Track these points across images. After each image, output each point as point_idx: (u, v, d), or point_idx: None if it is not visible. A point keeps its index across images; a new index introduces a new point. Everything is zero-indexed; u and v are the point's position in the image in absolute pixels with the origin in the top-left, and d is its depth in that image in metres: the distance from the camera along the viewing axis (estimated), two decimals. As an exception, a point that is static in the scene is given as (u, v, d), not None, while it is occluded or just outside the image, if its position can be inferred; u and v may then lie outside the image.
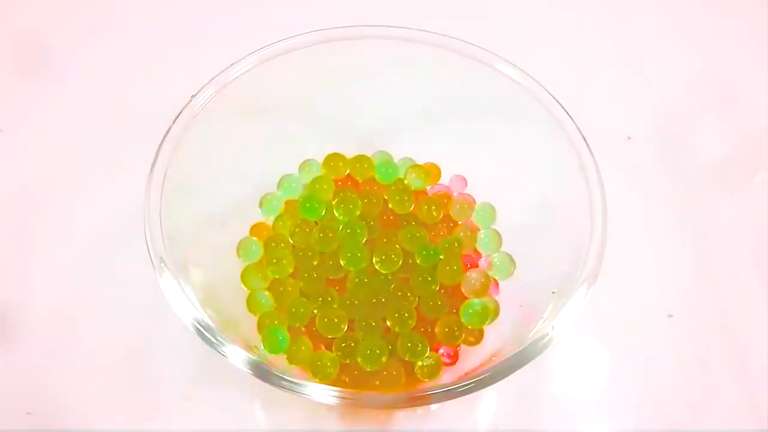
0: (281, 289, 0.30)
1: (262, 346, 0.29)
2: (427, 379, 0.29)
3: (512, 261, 0.31)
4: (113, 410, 0.31)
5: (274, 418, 0.32)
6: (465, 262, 0.31)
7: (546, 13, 0.44)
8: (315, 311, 0.30)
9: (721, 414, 0.32)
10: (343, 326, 0.29)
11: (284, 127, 0.33)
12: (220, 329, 0.25)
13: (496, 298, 0.31)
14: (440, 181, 0.34)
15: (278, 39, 0.30)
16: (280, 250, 0.31)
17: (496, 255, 0.32)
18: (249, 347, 0.26)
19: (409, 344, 0.29)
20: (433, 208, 0.32)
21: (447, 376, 0.29)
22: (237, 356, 0.25)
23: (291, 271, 0.31)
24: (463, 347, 0.30)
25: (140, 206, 0.26)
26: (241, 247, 0.31)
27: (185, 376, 0.32)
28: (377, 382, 0.28)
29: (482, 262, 0.32)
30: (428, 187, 0.33)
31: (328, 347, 0.29)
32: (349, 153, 0.33)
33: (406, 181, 0.33)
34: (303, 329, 0.30)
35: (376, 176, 0.33)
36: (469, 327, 0.30)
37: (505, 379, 0.24)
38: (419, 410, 0.32)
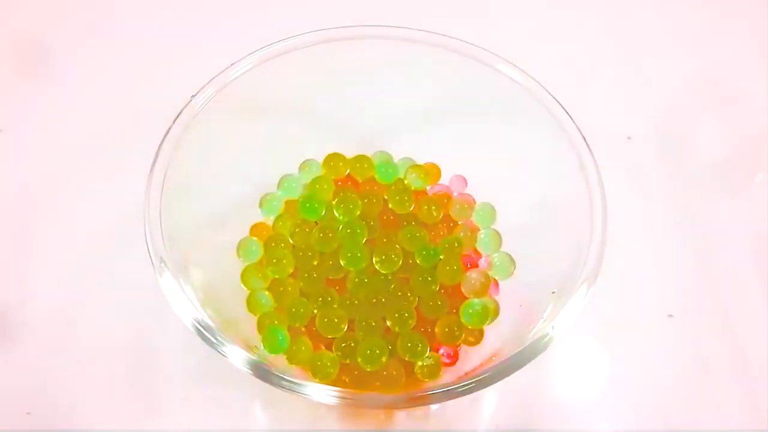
0: (281, 289, 0.30)
1: (262, 346, 0.29)
2: (427, 379, 0.29)
3: (512, 261, 0.31)
4: (113, 410, 0.31)
5: (274, 418, 0.32)
6: (465, 262, 0.31)
7: (546, 13, 0.44)
8: (315, 311, 0.30)
9: (721, 414, 0.32)
10: (343, 326, 0.29)
11: (284, 127, 0.33)
12: (220, 329, 0.25)
13: (496, 298, 0.31)
14: (440, 181, 0.34)
15: (278, 39, 0.30)
16: (280, 250, 0.31)
17: (496, 255, 0.32)
18: (249, 347, 0.26)
19: (409, 344, 0.29)
20: (433, 208, 0.32)
21: (447, 376, 0.29)
22: (237, 356, 0.25)
23: (291, 271, 0.31)
24: (463, 347, 0.30)
25: (140, 206, 0.26)
26: (241, 247, 0.31)
27: (185, 376, 0.32)
28: (377, 383, 0.28)
29: (482, 262, 0.32)
30: (428, 187, 0.33)
31: (328, 347, 0.29)
32: (349, 153, 0.33)
33: (406, 181, 0.33)
34: (303, 329, 0.30)
35: (376, 176, 0.33)
36: (469, 327, 0.30)
37: (505, 379, 0.24)
38: (419, 410, 0.32)
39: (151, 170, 0.27)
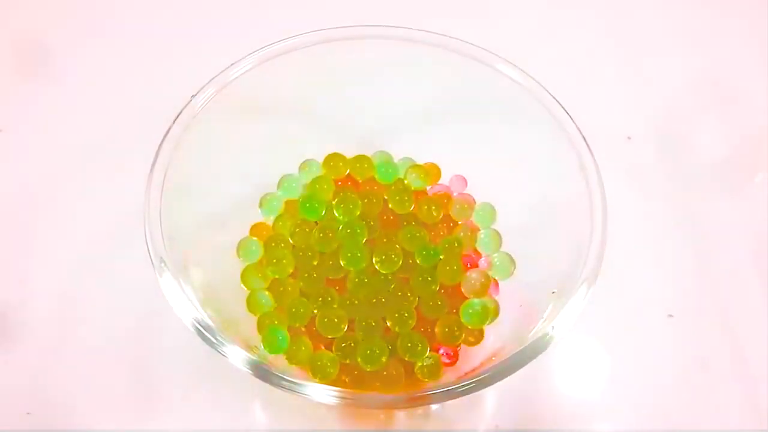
0: (281, 289, 0.30)
1: (262, 346, 0.29)
2: (427, 380, 0.29)
3: (512, 261, 0.31)
4: (113, 410, 0.31)
5: (274, 418, 0.32)
6: (465, 262, 0.31)
7: (546, 13, 0.44)
8: (315, 311, 0.30)
9: (721, 414, 0.32)
10: (343, 326, 0.29)
11: (284, 127, 0.33)
12: (220, 329, 0.25)
13: (496, 298, 0.31)
14: (440, 181, 0.34)
15: (278, 39, 0.30)
16: (280, 250, 0.31)
17: (496, 255, 0.32)
18: (249, 347, 0.26)
19: (409, 344, 0.29)
20: (433, 208, 0.32)
21: (447, 376, 0.29)
22: (237, 356, 0.25)
23: (291, 271, 0.31)
24: (463, 347, 0.30)
25: (140, 206, 0.26)
26: (241, 247, 0.31)
27: (185, 376, 0.32)
28: (377, 383, 0.28)
29: (482, 262, 0.32)
30: (428, 187, 0.33)
31: (328, 347, 0.29)
32: (349, 153, 0.33)
33: (406, 181, 0.33)
34: (303, 329, 0.30)
35: (376, 176, 0.33)
36: (469, 327, 0.30)
37: (505, 379, 0.24)
38: (419, 410, 0.32)
39: (151, 170, 0.27)
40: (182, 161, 0.28)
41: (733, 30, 0.44)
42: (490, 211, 0.33)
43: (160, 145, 0.28)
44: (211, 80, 0.29)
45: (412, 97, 0.33)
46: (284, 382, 0.24)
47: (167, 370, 0.32)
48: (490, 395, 0.32)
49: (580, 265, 0.26)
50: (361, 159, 0.33)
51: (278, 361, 0.28)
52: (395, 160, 0.34)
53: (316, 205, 0.32)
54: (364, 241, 0.31)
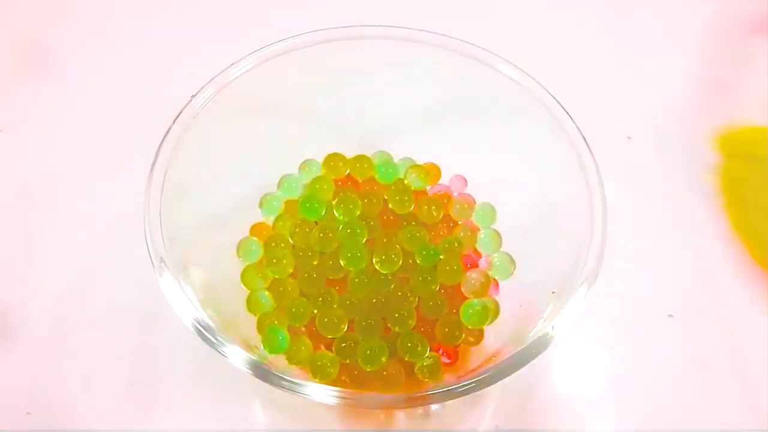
0: (281, 289, 0.30)
1: (262, 346, 0.29)
2: (427, 380, 0.29)
3: (512, 261, 0.31)
4: (113, 410, 0.31)
5: (274, 418, 0.32)
6: (465, 262, 0.31)
7: (546, 13, 0.44)
8: (315, 311, 0.30)
9: (721, 414, 0.32)
10: (343, 326, 0.29)
11: (284, 127, 0.33)
12: (220, 329, 0.25)
13: (496, 298, 0.31)
14: (440, 181, 0.34)
15: (278, 39, 0.30)
16: (280, 250, 0.31)
17: (496, 255, 0.32)
18: (249, 347, 0.26)
19: (409, 344, 0.29)
20: (433, 208, 0.32)
21: (447, 376, 0.29)
22: (237, 356, 0.25)
23: (291, 271, 0.31)
24: (463, 347, 0.30)
25: (140, 206, 0.26)
26: (241, 247, 0.31)
27: (185, 376, 0.32)
28: (377, 383, 0.28)
29: (482, 262, 0.32)
30: (428, 187, 0.33)
31: (328, 347, 0.29)
32: (349, 153, 0.33)
33: (406, 181, 0.33)
34: (303, 329, 0.30)
35: (376, 176, 0.33)
36: (469, 327, 0.30)
37: (505, 379, 0.24)
38: (419, 410, 0.32)
39: (151, 170, 0.27)
40: (182, 161, 0.28)
41: (733, 31, 0.44)
42: (490, 211, 0.33)
43: (160, 145, 0.28)
44: (211, 80, 0.29)
45: (412, 97, 0.33)
46: (284, 382, 0.24)
47: (167, 370, 0.32)
48: (490, 395, 0.32)
49: (580, 265, 0.26)
50: (361, 159, 0.33)
51: (278, 361, 0.28)
52: (395, 160, 0.34)
53: (316, 205, 0.32)
54: (364, 241, 0.31)
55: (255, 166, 0.32)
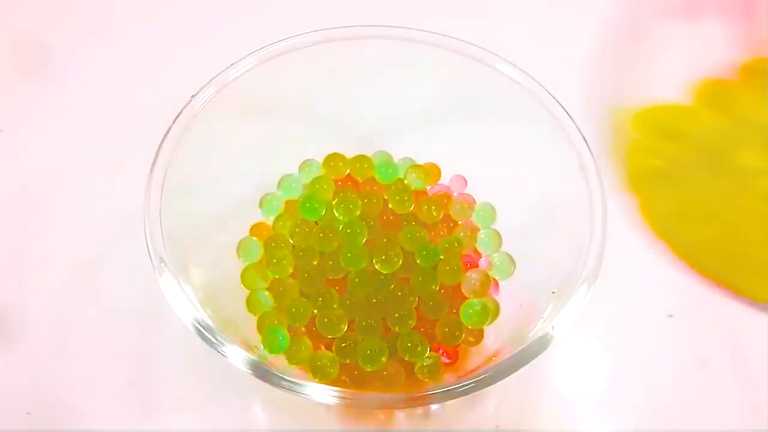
0: (281, 289, 0.30)
1: (262, 346, 0.29)
2: (427, 380, 0.29)
3: (512, 261, 0.31)
4: (113, 410, 0.31)
5: (274, 418, 0.32)
6: (465, 262, 0.31)
7: (546, 13, 0.44)
8: (315, 311, 0.30)
9: (721, 414, 0.32)
10: (343, 326, 0.29)
11: (284, 127, 0.33)
12: (220, 329, 0.25)
13: (496, 298, 0.31)
14: (440, 181, 0.34)
15: (278, 39, 0.30)
16: (280, 250, 0.31)
17: (496, 255, 0.32)
18: (249, 347, 0.26)
19: (409, 344, 0.29)
20: (433, 208, 0.32)
21: (447, 376, 0.29)
22: (237, 356, 0.25)
23: (291, 271, 0.31)
24: (463, 347, 0.30)
25: (140, 206, 0.26)
26: (241, 247, 0.31)
27: (185, 376, 0.32)
28: (377, 383, 0.28)
29: (482, 262, 0.32)
30: (428, 187, 0.33)
31: (328, 347, 0.29)
32: (349, 153, 0.33)
33: (406, 181, 0.33)
34: (303, 329, 0.30)
35: (376, 176, 0.33)
36: (469, 327, 0.30)
37: (505, 379, 0.24)
38: (419, 410, 0.32)
39: (151, 170, 0.27)
40: (182, 161, 0.28)
41: (733, 32, 0.44)
42: (490, 211, 0.33)
43: (160, 145, 0.28)
44: (211, 80, 0.29)
45: (412, 97, 0.33)
46: (284, 382, 0.24)
47: (167, 370, 0.32)
48: (490, 395, 0.32)
49: (580, 265, 0.26)
50: (361, 159, 0.33)
51: (278, 361, 0.28)
52: (395, 160, 0.34)
53: (316, 205, 0.32)
54: (364, 241, 0.31)
55: (255, 166, 0.32)
